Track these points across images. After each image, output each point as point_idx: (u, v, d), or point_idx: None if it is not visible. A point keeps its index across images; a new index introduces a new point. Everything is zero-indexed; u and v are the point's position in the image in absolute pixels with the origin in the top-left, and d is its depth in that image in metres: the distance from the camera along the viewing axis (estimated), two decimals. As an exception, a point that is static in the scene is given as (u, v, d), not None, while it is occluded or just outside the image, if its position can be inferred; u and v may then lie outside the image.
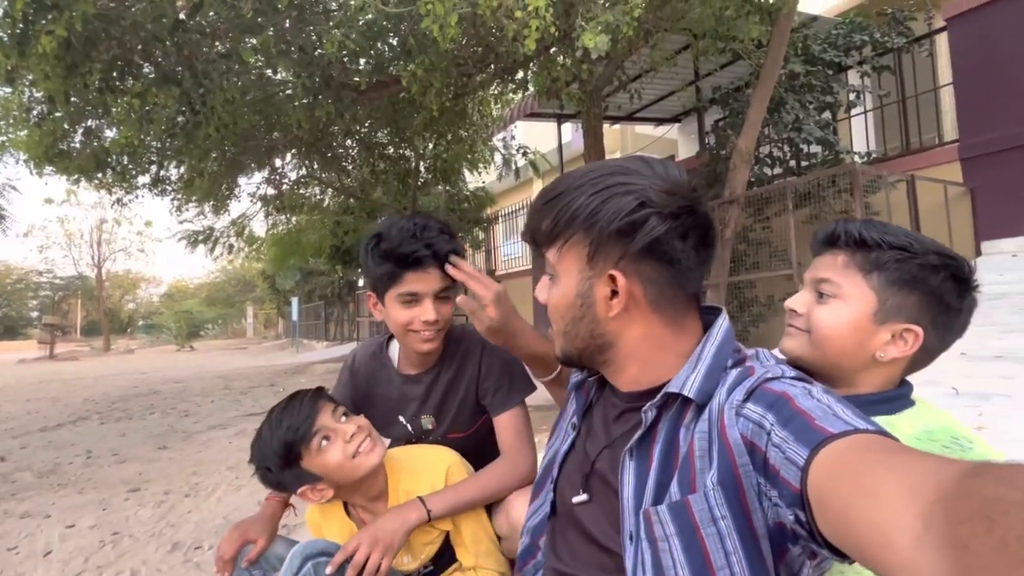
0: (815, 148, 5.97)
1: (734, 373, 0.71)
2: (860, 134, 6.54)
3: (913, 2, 5.97)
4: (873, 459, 0.51)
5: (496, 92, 7.08)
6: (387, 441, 1.31)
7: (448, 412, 1.35)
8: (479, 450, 1.37)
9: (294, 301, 19.40)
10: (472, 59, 4.85)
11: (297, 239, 11.50)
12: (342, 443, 1.15)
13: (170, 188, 8.02)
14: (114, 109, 5.40)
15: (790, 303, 0.96)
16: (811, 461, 0.55)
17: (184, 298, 43.06)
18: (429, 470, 1.26)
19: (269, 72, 5.42)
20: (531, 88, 5.84)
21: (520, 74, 6.08)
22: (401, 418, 1.40)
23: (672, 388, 0.73)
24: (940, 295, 0.86)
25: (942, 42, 5.73)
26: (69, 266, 38.68)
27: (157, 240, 37.67)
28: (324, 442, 1.14)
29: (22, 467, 4.28)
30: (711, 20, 4.67)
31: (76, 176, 6.56)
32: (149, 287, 48.72)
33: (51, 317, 27.76)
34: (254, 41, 4.68)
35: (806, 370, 0.84)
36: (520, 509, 1.12)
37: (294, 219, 11.02)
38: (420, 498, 1.19)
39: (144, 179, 7.52)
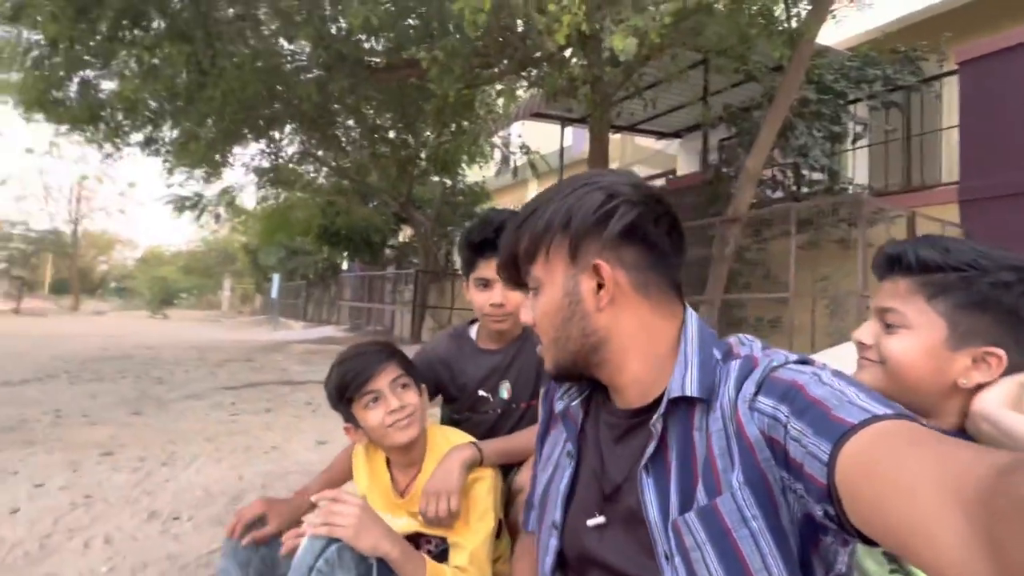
0: (817, 175, 6.03)
1: (735, 364, 0.70)
2: (858, 166, 6.62)
3: (926, 43, 6.06)
4: (903, 451, 0.50)
5: (506, 87, 7.02)
6: (429, 421, 1.35)
7: (522, 381, 1.49)
8: None
9: (275, 278, 19.09)
10: (492, 49, 4.79)
11: (286, 215, 11.35)
12: (384, 411, 1.23)
13: (163, 149, 7.84)
14: (114, 62, 5.25)
15: (858, 335, 0.92)
16: (836, 456, 0.54)
17: (159, 264, 42.18)
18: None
19: (283, 41, 5.31)
20: (545, 85, 5.80)
21: (535, 71, 6.04)
22: (481, 391, 1.51)
23: (674, 393, 0.71)
24: (1017, 312, 0.81)
25: (951, 85, 5.82)
26: (44, 220, 37.65)
27: (139, 203, 36.78)
28: (372, 403, 1.24)
29: (-14, 420, 4.11)
30: (734, 37, 4.68)
31: (67, 126, 6.37)
32: (124, 250, 47.73)
33: (21, 270, 26.99)
34: (267, 8, 4.56)
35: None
36: None
37: (284, 195, 10.86)
38: (475, 443, 1.29)
39: (137, 137, 7.33)
